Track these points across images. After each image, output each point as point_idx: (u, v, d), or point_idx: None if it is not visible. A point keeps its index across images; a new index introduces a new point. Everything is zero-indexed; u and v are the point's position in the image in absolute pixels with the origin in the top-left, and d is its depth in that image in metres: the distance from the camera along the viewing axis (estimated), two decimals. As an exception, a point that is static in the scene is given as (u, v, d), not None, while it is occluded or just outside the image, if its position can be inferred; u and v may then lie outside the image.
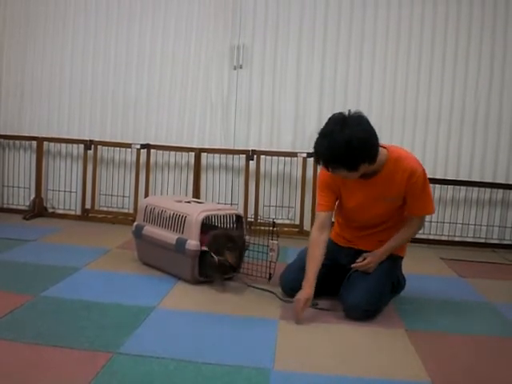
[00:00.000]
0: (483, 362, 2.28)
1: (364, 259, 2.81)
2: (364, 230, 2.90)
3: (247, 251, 3.30)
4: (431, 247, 4.58)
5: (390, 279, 2.91)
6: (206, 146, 4.86)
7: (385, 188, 2.71)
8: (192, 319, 2.59)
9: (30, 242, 3.92)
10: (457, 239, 4.71)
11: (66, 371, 1.96)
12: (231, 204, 4.81)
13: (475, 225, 4.72)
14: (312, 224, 4.60)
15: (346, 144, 2.45)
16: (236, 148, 4.84)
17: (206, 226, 3.21)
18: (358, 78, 4.63)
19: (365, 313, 2.69)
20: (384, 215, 2.83)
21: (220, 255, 2.98)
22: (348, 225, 2.98)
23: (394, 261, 2.92)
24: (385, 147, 2.70)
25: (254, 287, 3.08)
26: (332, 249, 2.89)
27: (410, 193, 2.70)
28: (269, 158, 4.78)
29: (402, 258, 3.00)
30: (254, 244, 3.28)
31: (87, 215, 4.95)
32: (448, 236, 4.72)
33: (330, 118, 2.62)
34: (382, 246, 2.82)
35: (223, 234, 3.06)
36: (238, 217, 3.32)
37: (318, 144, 2.58)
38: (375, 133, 2.56)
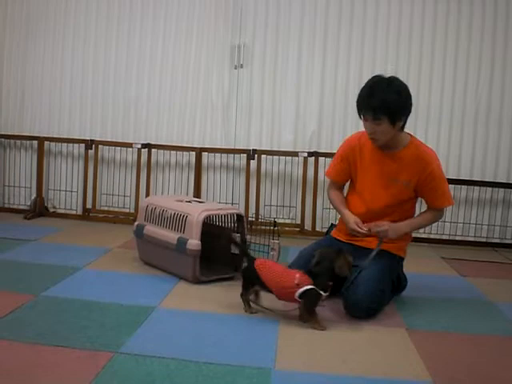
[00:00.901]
0: (484, 361, 2.28)
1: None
2: (368, 220, 2.90)
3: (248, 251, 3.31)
4: (432, 246, 4.58)
5: (391, 278, 2.92)
6: (207, 146, 4.86)
7: (399, 168, 2.81)
8: (193, 319, 2.59)
9: (31, 241, 3.92)
10: (458, 238, 4.70)
11: (66, 371, 1.96)
12: (232, 203, 4.81)
13: (476, 224, 4.72)
14: (313, 224, 4.65)
15: (397, 93, 2.66)
16: (237, 147, 4.84)
17: (207, 225, 3.21)
18: (359, 77, 4.62)
19: (366, 311, 2.69)
20: (391, 201, 2.86)
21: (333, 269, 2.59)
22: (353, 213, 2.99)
23: (394, 260, 2.92)
24: (410, 134, 2.87)
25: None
26: (332, 245, 2.89)
27: (428, 185, 2.81)
28: (270, 157, 4.78)
29: (402, 258, 3.00)
30: (255, 243, 3.28)
31: (88, 215, 4.95)
32: (449, 235, 4.72)
33: (373, 77, 2.80)
34: (402, 222, 2.85)
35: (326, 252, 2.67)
36: (239, 216, 3.32)
37: (364, 93, 2.72)
38: None
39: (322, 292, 2.50)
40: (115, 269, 3.37)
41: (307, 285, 2.49)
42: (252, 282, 2.65)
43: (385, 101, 2.64)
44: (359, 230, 2.80)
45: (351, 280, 2.74)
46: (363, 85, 2.78)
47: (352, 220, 2.85)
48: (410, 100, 2.73)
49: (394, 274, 2.97)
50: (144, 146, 4.83)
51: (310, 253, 2.79)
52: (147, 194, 4.82)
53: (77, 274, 3.19)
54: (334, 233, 3.09)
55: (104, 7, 4.91)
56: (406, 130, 2.87)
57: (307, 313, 2.54)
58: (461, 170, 4.68)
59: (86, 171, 4.94)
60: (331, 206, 3.16)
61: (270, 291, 2.60)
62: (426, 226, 3.09)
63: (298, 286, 2.50)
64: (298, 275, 2.53)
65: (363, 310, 2.68)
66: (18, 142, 5.11)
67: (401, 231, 2.83)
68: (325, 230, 4.56)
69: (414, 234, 4.33)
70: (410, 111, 2.75)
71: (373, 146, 2.88)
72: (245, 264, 2.78)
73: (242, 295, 2.70)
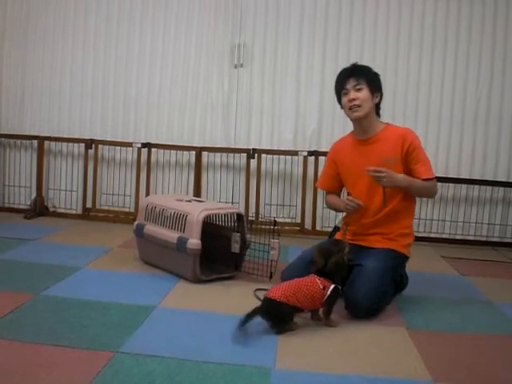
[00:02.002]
0: (484, 361, 2.28)
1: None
2: (367, 216, 2.91)
3: (248, 250, 3.31)
4: (432, 245, 4.58)
5: (394, 278, 2.91)
6: (207, 145, 4.86)
7: (381, 149, 2.91)
8: (193, 318, 2.59)
9: (31, 241, 3.92)
10: (458, 237, 4.71)
11: (67, 370, 1.96)
12: (232, 203, 4.81)
13: (476, 223, 4.72)
14: (313, 223, 4.65)
15: (372, 69, 2.98)
16: (237, 147, 4.84)
17: (207, 224, 3.21)
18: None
19: (368, 311, 2.69)
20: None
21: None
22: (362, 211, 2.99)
23: (399, 259, 2.92)
24: (384, 122, 3.03)
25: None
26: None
27: (409, 156, 2.87)
28: (270, 156, 4.78)
29: (407, 257, 2.99)
30: (255, 243, 3.28)
31: (88, 214, 4.95)
32: (449, 234, 4.72)
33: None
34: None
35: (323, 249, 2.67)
36: (239, 215, 3.32)
37: (343, 71, 2.97)
38: None
39: (339, 287, 2.56)
40: (115, 268, 3.37)
41: (330, 285, 2.52)
42: (286, 317, 2.49)
43: (364, 67, 2.95)
44: (349, 202, 2.86)
45: (353, 280, 2.74)
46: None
47: (343, 201, 2.94)
48: (380, 79, 2.99)
49: (398, 274, 2.97)
50: (144, 145, 4.83)
51: (310, 255, 2.80)
52: (147, 194, 4.82)
53: (77, 273, 3.19)
54: (337, 235, 3.08)
55: (104, 6, 4.92)
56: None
57: (330, 312, 2.57)
58: (461, 169, 4.68)
59: (86, 171, 4.94)
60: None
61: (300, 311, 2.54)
62: (422, 194, 3.07)
63: (325, 288, 2.51)
64: (317, 280, 2.53)
65: (363, 311, 2.68)
66: (18, 141, 5.11)
67: (397, 179, 2.79)
68: (325, 229, 4.59)
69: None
70: (382, 92, 2.98)
71: (350, 143, 3.03)
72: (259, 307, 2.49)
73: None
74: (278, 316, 2.45)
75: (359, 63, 3.00)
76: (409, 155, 2.87)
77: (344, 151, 3.08)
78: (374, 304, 2.71)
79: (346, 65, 3.01)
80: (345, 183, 3.11)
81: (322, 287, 2.50)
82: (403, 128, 3.00)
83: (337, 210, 3.23)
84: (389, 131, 2.95)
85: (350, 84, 2.89)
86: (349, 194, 2.97)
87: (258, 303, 2.52)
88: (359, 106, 2.88)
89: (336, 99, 3.02)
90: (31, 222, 4.72)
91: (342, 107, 3.01)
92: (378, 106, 2.99)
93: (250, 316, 2.38)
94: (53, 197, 5.11)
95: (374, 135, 2.95)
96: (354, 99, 2.88)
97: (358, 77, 2.89)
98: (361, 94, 2.88)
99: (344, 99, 2.94)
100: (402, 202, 2.91)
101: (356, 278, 2.74)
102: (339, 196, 3.21)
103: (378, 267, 2.76)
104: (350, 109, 2.91)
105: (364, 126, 2.95)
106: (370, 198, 2.92)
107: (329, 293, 2.51)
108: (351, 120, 2.99)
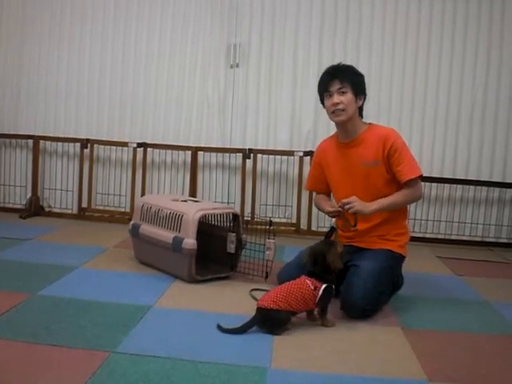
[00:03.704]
0: (480, 360, 2.28)
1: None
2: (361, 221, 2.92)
3: (244, 250, 3.31)
4: (428, 245, 4.59)
5: (391, 279, 2.91)
6: (203, 145, 4.86)
7: (363, 153, 2.89)
8: (189, 318, 2.59)
9: (27, 240, 3.92)
10: (453, 237, 4.72)
11: (62, 370, 1.95)
12: (228, 203, 4.81)
13: (472, 223, 4.73)
14: (308, 223, 4.65)
15: (355, 70, 2.93)
16: (233, 147, 4.83)
17: (203, 224, 3.21)
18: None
19: (364, 312, 2.69)
20: (371, 185, 2.88)
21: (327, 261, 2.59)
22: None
23: (396, 260, 2.92)
24: (370, 122, 3.00)
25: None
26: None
27: (391, 159, 2.83)
28: (265, 156, 4.78)
29: (404, 257, 2.99)
30: (250, 243, 3.28)
31: (84, 214, 4.94)
32: (444, 234, 4.73)
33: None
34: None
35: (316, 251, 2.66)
36: (235, 216, 3.32)
37: (326, 72, 2.93)
38: None
39: (332, 286, 2.56)
40: (111, 268, 3.37)
41: (321, 285, 2.51)
42: (282, 323, 2.47)
43: (348, 70, 2.89)
44: (331, 209, 2.87)
45: (349, 280, 2.74)
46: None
47: (328, 205, 2.96)
48: (364, 81, 2.94)
49: (395, 274, 2.97)
50: (140, 145, 4.83)
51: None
52: (143, 193, 4.81)
53: (73, 273, 3.19)
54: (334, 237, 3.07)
55: (100, 6, 4.91)
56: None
57: (325, 312, 2.56)
58: (456, 170, 4.69)
59: (82, 170, 4.93)
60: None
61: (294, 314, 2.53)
62: (403, 204, 2.94)
63: (316, 289, 2.51)
64: (307, 281, 2.52)
65: (359, 312, 2.68)
66: (14, 141, 5.10)
67: (371, 207, 2.78)
68: (320, 230, 4.59)
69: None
70: (365, 94, 2.94)
71: (334, 146, 3.01)
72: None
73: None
74: (273, 324, 2.44)
75: (343, 63, 2.94)
76: (390, 157, 2.83)
77: (328, 154, 3.06)
78: (369, 305, 2.71)
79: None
80: (330, 185, 3.11)
81: (312, 288, 2.50)
82: (386, 129, 2.95)
83: (323, 212, 3.14)
84: (371, 132, 2.91)
85: (334, 87, 2.84)
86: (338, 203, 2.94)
87: (254, 303, 2.52)
88: (343, 110, 2.85)
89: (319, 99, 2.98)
90: (26, 221, 4.71)
91: (324, 108, 2.98)
92: (361, 108, 2.96)
93: (245, 328, 2.40)
94: (48, 196, 5.10)
95: (356, 137, 2.92)
96: (337, 103, 2.84)
97: (343, 80, 2.83)
98: (345, 98, 2.83)
99: (327, 102, 2.89)
100: (394, 216, 2.91)
101: (352, 279, 2.74)
102: (329, 196, 3.20)
103: (374, 268, 2.76)
104: (333, 112, 2.88)
105: (347, 128, 2.92)
106: (351, 188, 2.92)
107: (320, 293, 2.50)
108: (334, 123, 2.97)
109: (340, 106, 2.85)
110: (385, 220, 2.90)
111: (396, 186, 2.89)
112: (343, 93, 2.83)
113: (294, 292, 2.46)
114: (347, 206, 2.75)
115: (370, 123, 2.99)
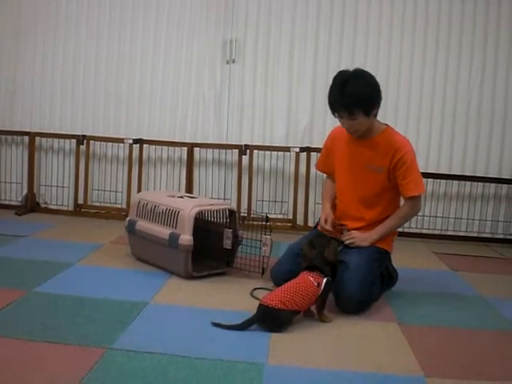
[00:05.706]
0: (476, 356, 2.29)
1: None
2: (347, 211, 2.96)
3: (240, 246, 3.31)
4: (424, 241, 4.59)
5: (379, 269, 2.92)
6: (199, 141, 4.84)
7: (371, 155, 2.87)
8: (185, 314, 2.59)
9: (23, 237, 3.91)
10: (449, 233, 4.72)
11: (59, 367, 1.95)
12: (224, 199, 4.81)
13: (468, 219, 4.73)
14: (305, 219, 4.66)
15: (366, 86, 2.72)
16: (229, 143, 4.83)
17: (199, 220, 3.21)
18: (351, 72, 4.63)
19: (359, 304, 2.71)
20: (369, 188, 2.90)
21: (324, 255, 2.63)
22: (344, 209, 3.02)
23: (379, 253, 2.92)
24: (386, 124, 2.95)
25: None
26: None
27: (397, 171, 2.82)
28: (262, 152, 4.77)
29: (388, 252, 3.00)
30: (247, 239, 3.28)
31: (80, 210, 4.93)
32: (441, 230, 4.73)
33: (339, 73, 2.83)
34: (372, 230, 2.89)
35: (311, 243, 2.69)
36: (231, 212, 3.32)
37: (334, 94, 2.75)
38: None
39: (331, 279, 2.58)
40: (107, 264, 3.36)
41: (323, 280, 2.53)
42: (286, 323, 2.46)
43: (357, 96, 2.69)
44: (324, 226, 2.92)
45: (341, 276, 2.75)
46: (331, 83, 2.82)
47: (323, 216, 2.98)
48: (378, 88, 2.80)
49: (382, 265, 2.97)
50: (136, 141, 4.82)
51: (299, 247, 2.84)
52: (139, 190, 4.80)
53: (69, 269, 3.18)
54: (320, 227, 3.07)
55: (95, 2, 4.88)
56: (398, 127, 2.90)
57: (323, 306, 2.58)
58: (452, 165, 4.69)
59: (78, 167, 4.92)
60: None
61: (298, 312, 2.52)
62: (403, 223, 3.02)
63: (319, 285, 2.52)
64: (310, 278, 2.52)
65: (355, 304, 2.69)
66: (9, 137, 5.07)
67: (370, 238, 2.86)
68: (317, 225, 4.60)
69: (405, 229, 4.36)
70: (381, 99, 2.82)
71: (349, 136, 2.94)
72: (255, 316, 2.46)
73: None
74: (276, 324, 2.42)
75: (352, 75, 2.76)
76: (397, 169, 2.82)
77: (338, 143, 3.03)
78: (364, 296, 2.72)
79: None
80: (334, 169, 3.10)
81: (316, 284, 2.50)
82: (400, 139, 2.88)
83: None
84: (385, 138, 2.87)
85: (345, 114, 2.75)
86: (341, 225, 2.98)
87: (250, 300, 2.52)
88: (356, 130, 2.82)
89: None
90: (22, 218, 4.69)
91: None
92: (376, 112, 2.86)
93: (245, 325, 2.39)
94: (44, 193, 5.08)
95: (370, 138, 2.88)
96: (348, 128, 2.82)
97: (352, 110, 2.71)
98: (355, 123, 2.77)
99: (340, 120, 2.83)
100: (386, 211, 2.94)
101: (343, 275, 2.74)
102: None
103: (361, 261, 2.78)
104: (348, 131, 2.87)
105: (363, 133, 2.88)
106: (352, 196, 2.95)
107: (323, 287, 2.51)
108: None
109: (351, 130, 2.83)
110: (377, 221, 2.93)
111: (391, 193, 2.92)
112: (354, 118, 2.74)
113: (300, 291, 2.46)
114: (347, 242, 2.85)
115: (386, 126, 2.94)
